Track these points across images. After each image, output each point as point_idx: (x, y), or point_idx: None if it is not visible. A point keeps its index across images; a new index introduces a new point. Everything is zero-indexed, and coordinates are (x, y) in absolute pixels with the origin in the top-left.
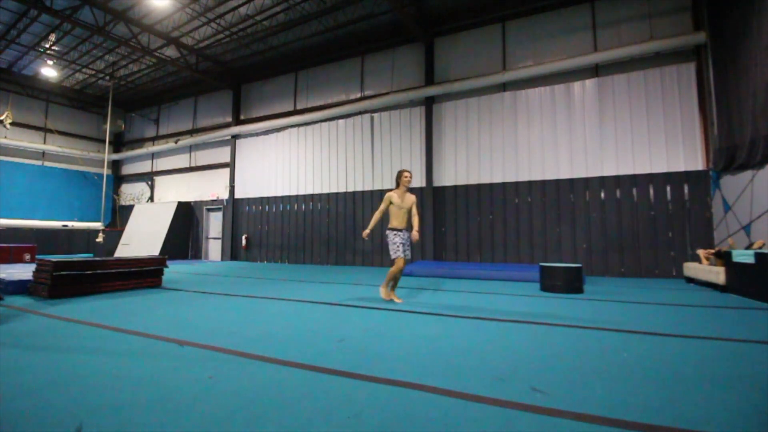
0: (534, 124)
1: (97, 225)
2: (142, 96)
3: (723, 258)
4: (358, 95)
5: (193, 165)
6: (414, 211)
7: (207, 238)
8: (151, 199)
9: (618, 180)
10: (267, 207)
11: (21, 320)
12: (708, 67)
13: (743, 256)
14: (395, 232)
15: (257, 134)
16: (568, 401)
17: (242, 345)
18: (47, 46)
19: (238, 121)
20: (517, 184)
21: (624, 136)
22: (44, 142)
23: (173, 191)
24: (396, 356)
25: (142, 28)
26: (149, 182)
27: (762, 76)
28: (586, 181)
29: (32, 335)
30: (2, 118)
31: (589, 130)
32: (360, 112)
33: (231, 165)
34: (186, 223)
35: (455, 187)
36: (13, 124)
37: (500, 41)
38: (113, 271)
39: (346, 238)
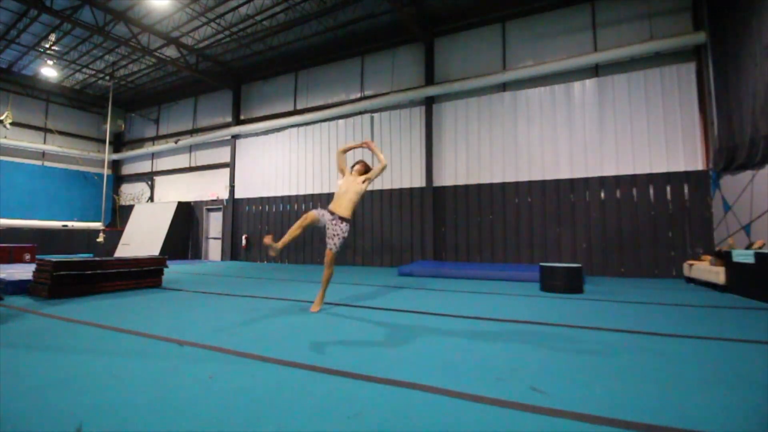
0: (534, 124)
1: (97, 225)
2: (142, 96)
3: (723, 258)
4: (358, 95)
5: (193, 165)
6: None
7: (207, 238)
8: (151, 199)
9: (618, 180)
10: (267, 207)
11: (21, 320)
12: (708, 67)
13: (743, 256)
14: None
15: (257, 134)
16: (568, 401)
17: (242, 345)
18: (47, 46)
19: (238, 121)
20: (517, 184)
21: (624, 136)
22: (44, 142)
23: (173, 191)
24: (396, 356)
25: (142, 28)
26: (149, 182)
27: (762, 76)
28: (586, 181)
29: (32, 335)
30: (2, 118)
31: (589, 130)
32: (360, 112)
33: (231, 165)
34: (186, 223)
35: (455, 187)
36: (13, 124)
37: (500, 41)
38: (113, 271)
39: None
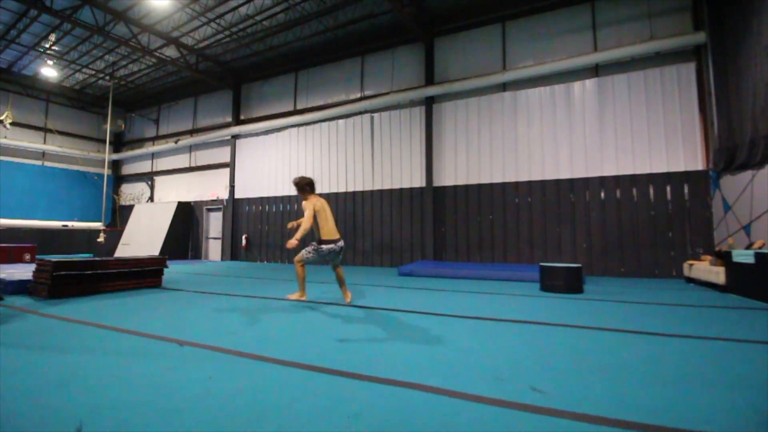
0: (534, 124)
1: (98, 225)
2: (142, 96)
3: (723, 258)
4: (358, 95)
5: (193, 165)
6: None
7: (207, 238)
8: (151, 199)
9: (618, 180)
10: (267, 207)
11: (21, 320)
12: (708, 67)
13: (743, 256)
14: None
15: (257, 134)
16: (568, 401)
17: (242, 345)
18: (47, 46)
19: (238, 121)
20: (517, 184)
21: (624, 136)
22: (44, 142)
23: (173, 191)
24: (396, 356)
25: (142, 28)
26: (149, 182)
27: (762, 76)
28: (586, 181)
29: (32, 335)
30: (2, 118)
31: (589, 130)
32: (360, 112)
33: (231, 165)
34: (186, 223)
35: (455, 187)
36: (13, 124)
37: (500, 41)
38: (113, 271)
39: (345, 239)
